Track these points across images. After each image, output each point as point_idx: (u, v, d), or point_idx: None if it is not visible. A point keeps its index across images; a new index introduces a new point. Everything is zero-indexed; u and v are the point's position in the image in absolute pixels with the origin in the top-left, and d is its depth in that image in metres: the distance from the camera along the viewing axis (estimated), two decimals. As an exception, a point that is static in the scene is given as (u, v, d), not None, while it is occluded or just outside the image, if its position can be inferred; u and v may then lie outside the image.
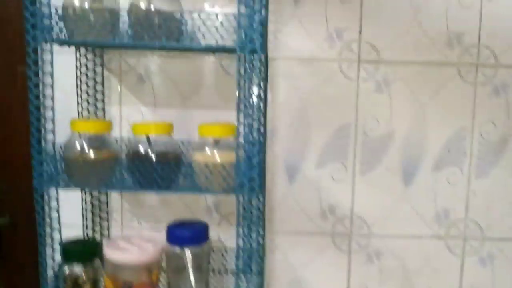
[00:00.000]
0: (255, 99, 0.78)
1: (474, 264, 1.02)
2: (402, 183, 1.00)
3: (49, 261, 0.81)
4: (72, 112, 0.95)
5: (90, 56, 0.95)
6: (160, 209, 1.00)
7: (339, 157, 0.99)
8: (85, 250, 0.86)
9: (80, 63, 0.95)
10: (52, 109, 0.75)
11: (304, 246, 1.02)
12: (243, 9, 0.72)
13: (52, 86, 0.74)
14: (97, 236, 1.00)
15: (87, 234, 0.99)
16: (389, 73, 0.97)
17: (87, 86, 0.96)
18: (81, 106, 0.95)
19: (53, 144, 0.77)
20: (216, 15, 0.72)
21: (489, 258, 1.02)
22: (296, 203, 1.01)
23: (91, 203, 1.00)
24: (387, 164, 0.99)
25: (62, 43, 0.78)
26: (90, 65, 0.95)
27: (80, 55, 0.94)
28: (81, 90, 0.95)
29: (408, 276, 1.02)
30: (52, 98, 0.75)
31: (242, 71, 0.73)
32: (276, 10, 0.95)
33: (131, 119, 0.98)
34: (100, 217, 1.00)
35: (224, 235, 1.02)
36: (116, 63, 0.97)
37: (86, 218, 0.99)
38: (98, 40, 0.75)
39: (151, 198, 1.01)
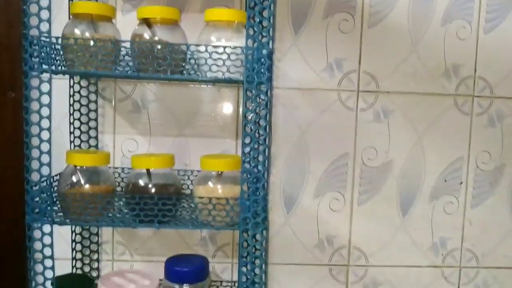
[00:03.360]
0: (261, 131, 0.76)
1: None
2: (400, 213, 0.99)
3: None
4: (64, 139, 0.92)
5: (84, 83, 0.92)
6: (153, 240, 0.97)
7: (337, 187, 0.98)
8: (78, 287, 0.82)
9: (74, 90, 0.91)
10: (49, 141, 0.72)
11: (301, 277, 1.00)
12: (250, 43, 0.70)
13: (49, 118, 0.71)
14: (87, 269, 0.96)
15: (76, 267, 0.95)
16: (388, 103, 0.97)
17: (80, 113, 0.92)
18: (74, 134, 0.92)
19: (50, 180, 0.73)
20: (224, 49, 0.70)
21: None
22: (293, 234, 0.99)
23: (81, 234, 0.96)
24: (385, 194, 0.99)
25: (62, 73, 0.74)
26: (84, 92, 0.92)
27: (74, 82, 0.91)
28: (74, 118, 0.92)
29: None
30: (49, 129, 0.72)
31: (248, 104, 0.71)
32: (276, 39, 0.94)
33: (125, 148, 0.95)
34: (90, 250, 0.96)
35: (220, 267, 0.99)
36: (111, 91, 0.94)
37: (75, 250, 0.95)
38: (100, 72, 0.72)
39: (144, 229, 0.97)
